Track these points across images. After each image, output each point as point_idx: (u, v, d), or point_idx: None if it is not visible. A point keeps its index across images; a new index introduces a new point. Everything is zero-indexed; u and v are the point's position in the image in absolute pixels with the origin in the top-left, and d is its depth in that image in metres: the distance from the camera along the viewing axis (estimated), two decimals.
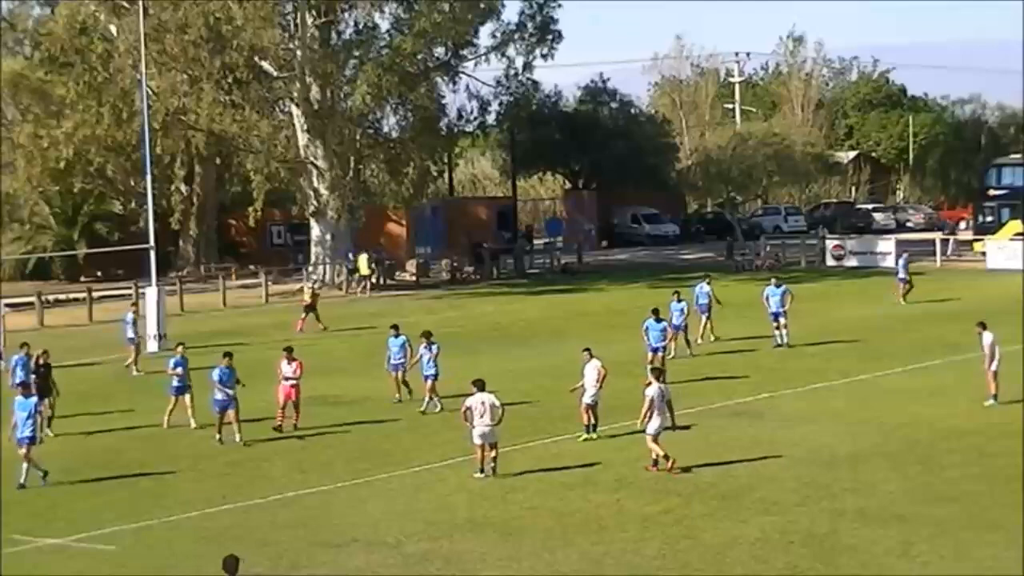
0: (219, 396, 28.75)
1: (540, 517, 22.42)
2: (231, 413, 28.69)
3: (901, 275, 50.31)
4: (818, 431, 28.33)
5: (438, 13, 63.77)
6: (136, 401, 34.08)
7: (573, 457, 26.42)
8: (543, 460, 26.33)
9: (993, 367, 30.17)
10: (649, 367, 31.07)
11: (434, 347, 31.36)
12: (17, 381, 30.04)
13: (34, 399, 26.44)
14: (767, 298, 40.56)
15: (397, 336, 32.64)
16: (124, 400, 34.60)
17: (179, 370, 30.74)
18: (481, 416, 24.71)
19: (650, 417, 24.97)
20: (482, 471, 24.90)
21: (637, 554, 20.32)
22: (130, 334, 40.11)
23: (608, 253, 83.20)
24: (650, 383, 25.66)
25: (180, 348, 31.51)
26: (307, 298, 49.32)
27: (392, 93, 64.76)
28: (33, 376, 30.12)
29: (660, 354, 34.96)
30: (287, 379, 29.71)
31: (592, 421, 28.23)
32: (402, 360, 32.44)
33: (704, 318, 41.42)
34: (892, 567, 19.41)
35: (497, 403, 25.00)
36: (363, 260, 64.38)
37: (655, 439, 24.99)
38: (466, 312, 54.37)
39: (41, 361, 31.07)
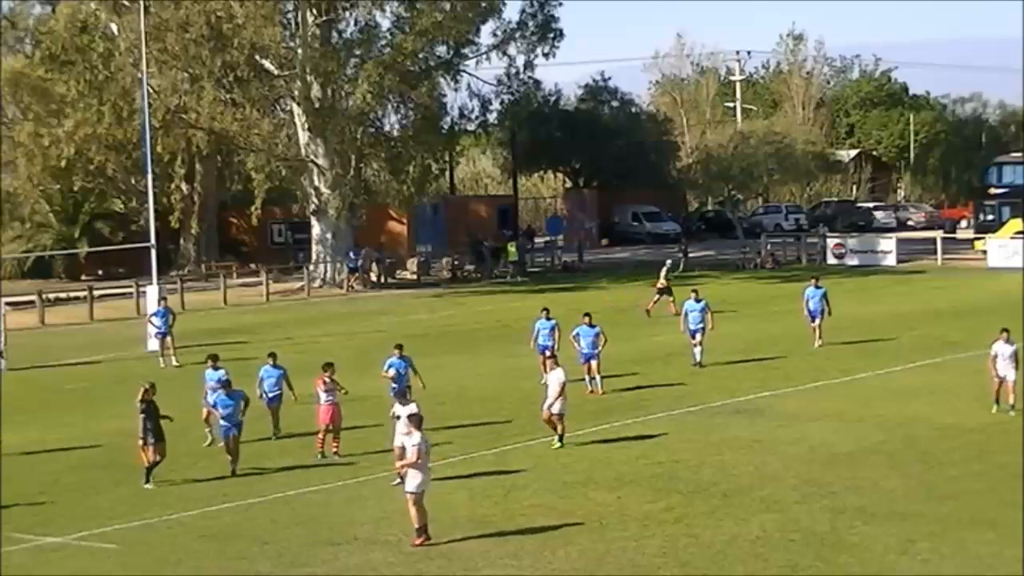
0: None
1: (541, 515, 22.40)
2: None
3: None
4: (819, 429, 28.32)
5: (439, 12, 63.86)
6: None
7: (574, 455, 26.41)
8: (544, 458, 26.34)
9: (1012, 376, 29.10)
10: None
11: (220, 372, 28.41)
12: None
13: None
14: (686, 313, 37.07)
15: (275, 366, 29.41)
16: (125, 398, 34.51)
17: None
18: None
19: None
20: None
21: (638, 552, 20.30)
22: None
23: (609, 251, 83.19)
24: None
25: None
26: (663, 281, 49.85)
27: (393, 91, 64.85)
28: (143, 416, 25.61)
29: (594, 362, 32.66)
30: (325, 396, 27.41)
31: None
32: (278, 392, 29.22)
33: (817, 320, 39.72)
34: (892, 565, 19.40)
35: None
36: (511, 247, 68.03)
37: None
38: (467, 310, 54.39)
39: (148, 397, 25.86)
